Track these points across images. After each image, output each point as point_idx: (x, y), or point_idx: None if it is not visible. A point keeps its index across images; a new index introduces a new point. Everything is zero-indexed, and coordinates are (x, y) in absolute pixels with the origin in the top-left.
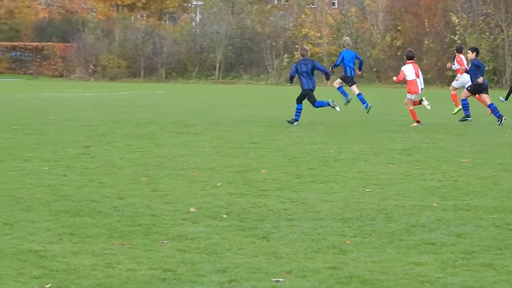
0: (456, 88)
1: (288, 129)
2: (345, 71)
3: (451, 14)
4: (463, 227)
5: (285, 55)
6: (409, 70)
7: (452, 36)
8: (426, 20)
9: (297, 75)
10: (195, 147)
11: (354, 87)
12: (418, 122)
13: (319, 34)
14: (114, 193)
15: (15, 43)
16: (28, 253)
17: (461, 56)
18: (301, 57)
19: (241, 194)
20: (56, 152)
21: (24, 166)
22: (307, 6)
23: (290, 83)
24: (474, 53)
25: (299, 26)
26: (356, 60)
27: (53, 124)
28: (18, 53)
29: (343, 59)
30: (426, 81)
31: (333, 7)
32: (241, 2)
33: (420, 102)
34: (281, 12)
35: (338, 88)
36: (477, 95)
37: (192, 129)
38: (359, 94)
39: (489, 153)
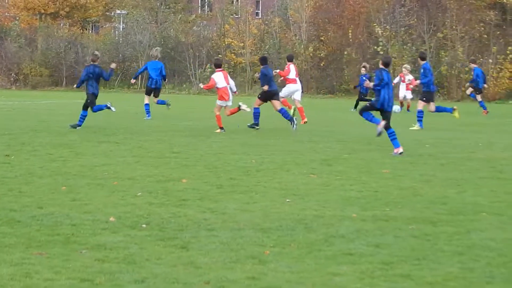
0: (283, 97)
1: (210, 139)
2: (150, 82)
3: (374, 25)
4: (381, 237)
5: (208, 65)
6: (219, 78)
7: (375, 47)
8: (349, 31)
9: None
10: (116, 156)
11: (155, 98)
12: (221, 128)
13: (242, 44)
14: (34, 202)
15: None
16: None
17: (291, 65)
18: (91, 63)
19: (161, 204)
20: None
21: None
22: (231, 16)
23: (77, 86)
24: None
25: (222, 36)
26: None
27: None
28: None
29: (146, 69)
30: (347, 92)
31: (257, 17)
32: (165, 12)
33: (239, 108)
34: (204, 22)
35: (157, 102)
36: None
37: (113, 138)
38: (146, 104)
39: (410, 164)
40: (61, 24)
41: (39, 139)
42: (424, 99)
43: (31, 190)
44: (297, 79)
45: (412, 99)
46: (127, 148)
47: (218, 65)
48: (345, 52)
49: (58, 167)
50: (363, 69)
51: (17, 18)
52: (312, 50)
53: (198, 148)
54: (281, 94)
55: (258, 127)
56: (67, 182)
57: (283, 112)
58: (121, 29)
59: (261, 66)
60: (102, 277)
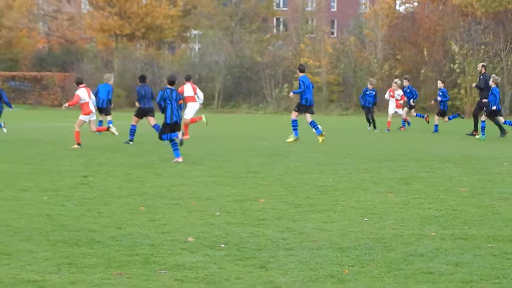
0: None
1: (286, 158)
2: (97, 102)
3: (451, 42)
4: (461, 256)
5: (285, 85)
6: (83, 94)
7: (452, 65)
8: (425, 49)
9: None
10: (193, 177)
11: (108, 116)
12: (79, 144)
13: (318, 63)
14: (112, 223)
15: (14, 73)
16: (27, 283)
17: (187, 85)
18: None
19: (239, 223)
20: (55, 182)
21: (23, 196)
22: (306, 35)
23: None
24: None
25: (298, 55)
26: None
27: (51, 153)
28: (17, 83)
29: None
30: (425, 110)
31: (332, 36)
32: (240, 32)
33: (108, 128)
34: (280, 41)
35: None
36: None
37: (190, 158)
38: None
39: (488, 182)
40: (137, 45)
41: (117, 160)
42: (296, 109)
43: (109, 211)
44: (196, 96)
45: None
46: (204, 168)
47: (79, 83)
48: (422, 71)
49: (136, 188)
50: (370, 85)
51: (93, 39)
52: (387, 68)
53: (275, 168)
54: (186, 116)
55: (132, 143)
56: (146, 202)
57: (157, 128)
58: (196, 49)
59: (139, 84)
60: None
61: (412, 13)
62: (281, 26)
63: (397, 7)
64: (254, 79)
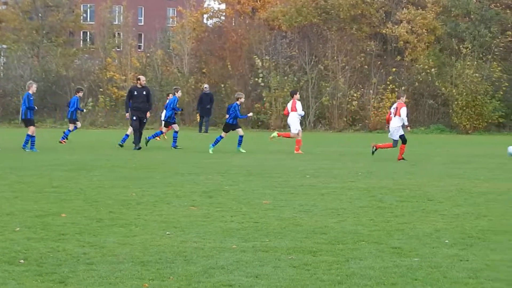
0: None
1: (90, 173)
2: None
3: (255, 56)
4: (261, 268)
5: (90, 99)
6: None
7: (256, 79)
8: (229, 63)
9: None
10: None
11: None
12: None
13: (124, 77)
14: None
15: None
16: None
17: None
18: None
19: (40, 238)
20: None
21: None
22: (113, 49)
23: None
24: None
25: (104, 69)
26: None
27: None
28: None
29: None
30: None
31: (139, 50)
32: (47, 46)
33: None
34: (86, 55)
35: None
36: None
37: None
38: None
39: (290, 195)
40: None
41: None
42: None
43: None
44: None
45: None
46: (6, 183)
47: None
48: (225, 84)
49: None
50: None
51: None
52: (193, 82)
53: (78, 182)
54: None
55: None
56: None
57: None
58: (2, 63)
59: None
60: None
61: (219, 27)
62: (88, 40)
63: (205, 21)
64: (60, 93)
